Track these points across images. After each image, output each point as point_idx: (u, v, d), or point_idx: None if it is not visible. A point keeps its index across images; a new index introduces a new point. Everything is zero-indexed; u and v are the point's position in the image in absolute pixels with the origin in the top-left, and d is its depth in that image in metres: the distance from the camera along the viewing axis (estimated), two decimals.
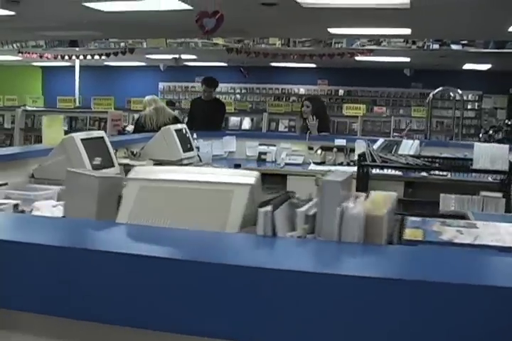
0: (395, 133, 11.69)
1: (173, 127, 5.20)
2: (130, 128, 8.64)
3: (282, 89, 20.79)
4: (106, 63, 19.88)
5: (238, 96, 20.61)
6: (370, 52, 13.15)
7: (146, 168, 1.95)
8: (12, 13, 9.87)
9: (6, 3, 8.83)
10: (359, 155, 5.23)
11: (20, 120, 9.17)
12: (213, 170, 1.97)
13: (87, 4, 8.93)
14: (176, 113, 8.20)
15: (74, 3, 8.91)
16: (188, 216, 1.81)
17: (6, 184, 2.99)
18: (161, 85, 21.31)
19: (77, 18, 10.29)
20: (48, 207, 3.08)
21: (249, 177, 1.86)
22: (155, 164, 4.90)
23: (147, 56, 16.85)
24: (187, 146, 5.21)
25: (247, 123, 10.37)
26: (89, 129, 8.52)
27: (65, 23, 10.97)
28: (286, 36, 12.54)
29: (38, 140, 9.24)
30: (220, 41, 13.51)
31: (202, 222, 1.79)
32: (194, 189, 1.83)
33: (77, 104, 12.29)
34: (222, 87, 20.91)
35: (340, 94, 20.48)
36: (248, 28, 11.44)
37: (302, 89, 20.78)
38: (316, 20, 10.10)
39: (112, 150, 4.00)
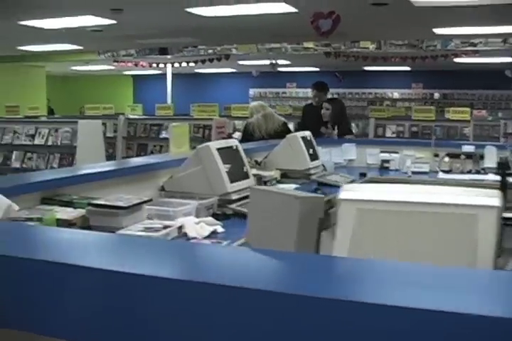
0: (502, 138, 11.05)
1: (299, 134, 4.87)
2: (237, 135, 8.37)
3: (376, 93, 20.26)
4: (196, 70, 19.87)
5: None
6: (475, 53, 12.55)
7: (359, 186, 1.60)
8: (113, 21, 9.83)
9: (110, 11, 8.77)
10: (501, 163, 4.75)
11: (123, 128, 9.08)
12: (437, 188, 1.59)
13: (189, 10, 8.76)
14: (284, 119, 7.86)
15: (176, 9, 8.76)
16: (422, 247, 1.45)
17: (150, 200, 2.71)
18: (252, 91, 21.16)
19: (177, 24, 10.17)
20: (192, 224, 2.79)
21: (491, 197, 1.49)
22: (282, 174, 4.58)
23: (239, 62, 16.68)
24: (313, 155, 4.87)
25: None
26: (194, 137, 8.32)
27: (164, 30, 10.88)
28: (385, 38, 12.10)
29: (140, 148, 9.14)
30: (310, 45, 13.23)
31: (442, 255, 1.43)
32: (428, 213, 1.47)
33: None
34: None
35: (435, 97, 19.79)
36: (348, 30, 11.04)
37: (396, 93, 20.21)
38: (424, 20, 9.64)
39: (246, 160, 3.70)
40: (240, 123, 9.62)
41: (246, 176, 3.63)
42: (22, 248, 1.40)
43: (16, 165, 7.59)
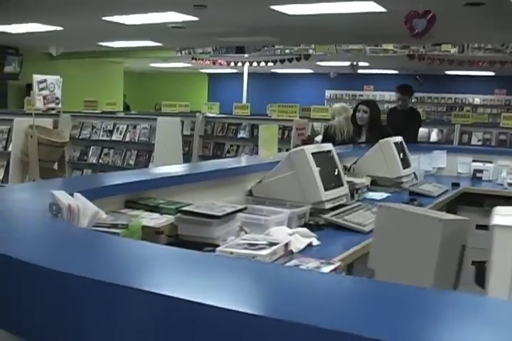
0: None
1: (391, 140, 4.57)
2: (319, 138, 8.10)
3: (456, 98, 19.62)
4: (272, 70, 19.68)
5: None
6: None
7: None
8: (195, 18, 9.71)
9: (194, 8, 8.64)
10: None
11: (200, 126, 8.93)
12: None
13: (274, 7, 8.54)
14: None
15: (261, 7, 8.56)
16: None
17: (245, 208, 2.49)
18: (328, 93, 20.81)
19: (260, 22, 9.98)
20: (285, 235, 2.55)
21: None
22: (372, 181, 4.30)
23: (318, 63, 16.38)
24: (405, 162, 4.57)
25: (435, 135, 9.54)
26: None
27: (246, 28, 10.69)
28: (471, 41, 11.61)
29: (217, 147, 8.97)
30: (390, 47, 12.84)
31: None
32: None
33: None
34: (391, 95, 20.11)
35: None
36: (435, 32, 10.60)
37: (477, 99, 19.50)
38: None
39: (340, 167, 3.43)
40: (318, 125, 9.35)
41: (340, 183, 3.37)
42: (91, 265, 1.29)
43: (93, 160, 7.53)
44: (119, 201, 2.57)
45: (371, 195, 4.06)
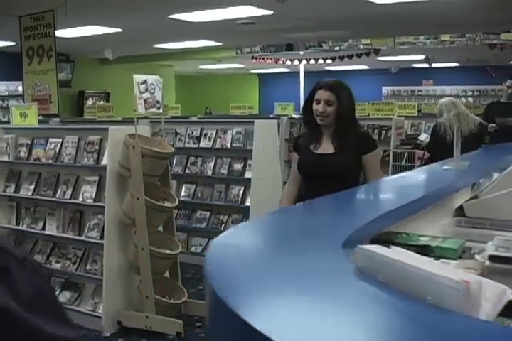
0: None
1: None
2: (423, 137, 7.31)
3: None
4: (327, 68, 18.90)
5: (470, 99, 18.62)
6: None
7: None
8: (270, 12, 8.99)
9: (274, 1, 7.95)
10: None
11: (285, 129, 8.20)
12: None
13: None
14: (479, 118, 6.76)
15: None
16: None
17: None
18: (385, 89, 19.95)
19: (338, 14, 9.25)
20: None
21: None
22: None
23: (379, 58, 15.55)
24: None
25: None
26: None
27: (320, 21, 9.96)
28: None
29: None
30: (446, 38, 12.01)
31: None
32: None
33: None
34: (452, 89, 19.21)
35: None
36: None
37: None
38: None
39: None
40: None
41: None
42: None
43: (178, 170, 6.81)
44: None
45: None
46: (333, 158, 3.47)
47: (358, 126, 3.69)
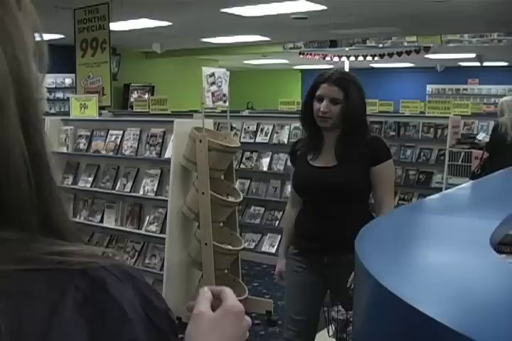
0: None
1: None
2: (481, 137, 7.15)
3: None
4: (371, 65, 18.70)
5: None
6: None
7: None
8: (324, 7, 8.88)
9: None
10: None
11: None
12: None
13: None
14: None
15: None
16: None
17: None
18: (429, 88, 19.64)
19: (395, 10, 9.08)
20: None
21: None
22: None
23: (427, 56, 15.29)
24: None
25: None
26: (425, 137, 7.21)
27: (373, 17, 9.80)
28: None
29: None
30: (494, 36, 11.74)
31: None
32: None
33: None
34: (498, 88, 18.86)
35: None
36: None
37: None
38: None
39: None
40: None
41: None
42: None
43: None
44: None
45: None
46: (335, 172, 2.71)
47: (368, 130, 2.89)
